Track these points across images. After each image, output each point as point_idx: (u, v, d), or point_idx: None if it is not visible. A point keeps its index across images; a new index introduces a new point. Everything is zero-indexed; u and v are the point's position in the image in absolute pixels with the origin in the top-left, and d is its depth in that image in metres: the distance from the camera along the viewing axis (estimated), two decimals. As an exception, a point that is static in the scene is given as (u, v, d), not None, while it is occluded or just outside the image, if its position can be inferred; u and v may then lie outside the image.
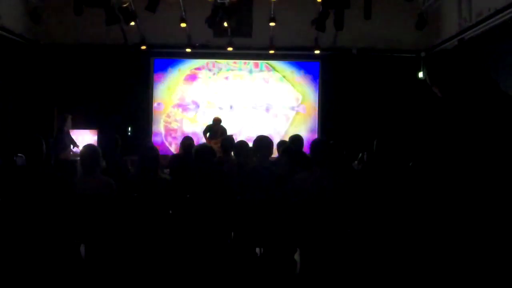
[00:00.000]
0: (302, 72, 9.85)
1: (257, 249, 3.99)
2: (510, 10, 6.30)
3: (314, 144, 3.96)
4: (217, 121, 8.48)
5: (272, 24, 8.31)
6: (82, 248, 3.71)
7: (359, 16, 7.91)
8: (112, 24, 7.94)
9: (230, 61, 9.80)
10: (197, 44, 9.22)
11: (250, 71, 9.84)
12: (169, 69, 9.81)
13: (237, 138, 5.80)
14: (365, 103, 9.31)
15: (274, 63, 9.82)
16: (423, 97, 8.16)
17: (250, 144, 4.49)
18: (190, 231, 3.74)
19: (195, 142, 5.68)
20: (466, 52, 7.43)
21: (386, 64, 9.39)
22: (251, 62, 9.81)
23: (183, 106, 9.79)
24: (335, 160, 4.04)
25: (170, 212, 3.88)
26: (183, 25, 8.39)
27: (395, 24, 8.92)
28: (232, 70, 9.84)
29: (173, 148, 9.65)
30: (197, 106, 9.77)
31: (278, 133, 9.65)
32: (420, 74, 9.13)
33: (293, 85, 9.84)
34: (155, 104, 9.78)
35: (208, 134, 8.46)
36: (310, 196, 3.63)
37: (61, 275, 3.39)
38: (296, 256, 3.95)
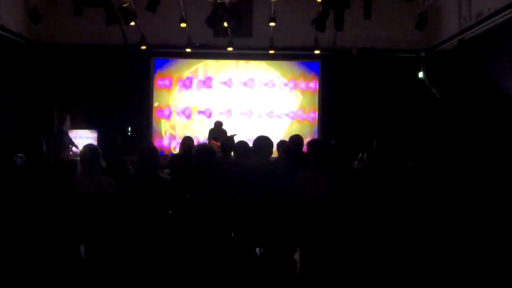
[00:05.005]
0: (301, 72, 9.84)
1: (257, 249, 3.99)
2: (510, 10, 6.30)
3: (313, 144, 3.96)
4: (218, 125, 8.47)
5: (272, 24, 8.31)
6: (82, 248, 3.71)
7: (359, 16, 7.91)
8: (112, 24, 7.94)
9: (230, 62, 9.80)
10: (197, 44, 9.21)
11: (250, 72, 9.85)
12: (169, 69, 9.81)
13: (237, 139, 5.78)
14: (365, 103, 9.31)
15: (274, 63, 9.82)
16: (423, 97, 8.15)
17: (250, 145, 4.49)
18: (190, 231, 3.73)
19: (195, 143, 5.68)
20: (465, 52, 7.44)
21: (386, 64, 9.38)
22: (251, 62, 9.81)
23: (182, 106, 9.80)
24: (335, 160, 4.04)
25: (170, 212, 3.88)
26: (183, 25, 8.39)
27: (395, 24, 8.92)
28: (232, 71, 9.85)
29: (173, 149, 9.65)
30: (195, 106, 9.79)
31: (278, 133, 9.65)
32: (420, 74, 9.13)
33: (293, 85, 9.83)
34: (155, 104, 9.78)
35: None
36: (310, 196, 3.63)
37: (61, 275, 3.40)
38: (296, 256, 3.96)
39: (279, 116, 9.81)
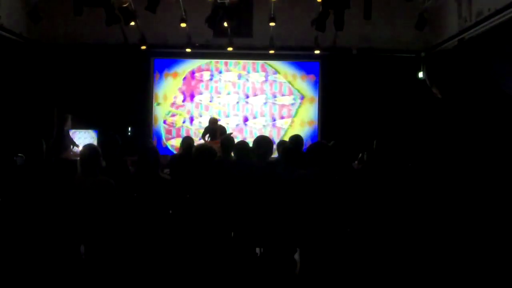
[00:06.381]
0: (302, 72, 9.85)
1: (257, 249, 3.99)
2: (510, 10, 6.30)
3: (313, 145, 3.97)
4: (214, 121, 8.39)
5: (272, 24, 8.30)
6: (82, 248, 3.71)
7: (359, 16, 7.91)
8: (112, 24, 7.94)
9: (230, 62, 9.80)
10: (197, 44, 9.21)
11: (250, 72, 9.85)
12: (169, 69, 9.81)
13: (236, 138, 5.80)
14: (365, 103, 9.31)
15: (274, 63, 9.82)
16: (423, 97, 8.16)
17: (250, 144, 4.49)
18: (190, 231, 3.74)
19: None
20: (466, 52, 7.44)
21: (386, 64, 9.38)
22: (251, 62, 9.81)
23: (182, 106, 9.80)
24: (335, 160, 4.04)
25: (170, 212, 3.88)
26: (183, 25, 8.38)
27: (395, 24, 8.92)
28: (232, 71, 9.85)
29: (173, 148, 9.65)
30: (196, 107, 9.79)
31: (278, 133, 9.66)
32: (420, 74, 9.14)
33: (293, 85, 9.84)
34: (155, 104, 9.79)
35: (207, 136, 8.36)
36: (310, 196, 3.63)
37: (61, 275, 3.40)
38: (296, 256, 3.96)
39: (279, 116, 9.81)
